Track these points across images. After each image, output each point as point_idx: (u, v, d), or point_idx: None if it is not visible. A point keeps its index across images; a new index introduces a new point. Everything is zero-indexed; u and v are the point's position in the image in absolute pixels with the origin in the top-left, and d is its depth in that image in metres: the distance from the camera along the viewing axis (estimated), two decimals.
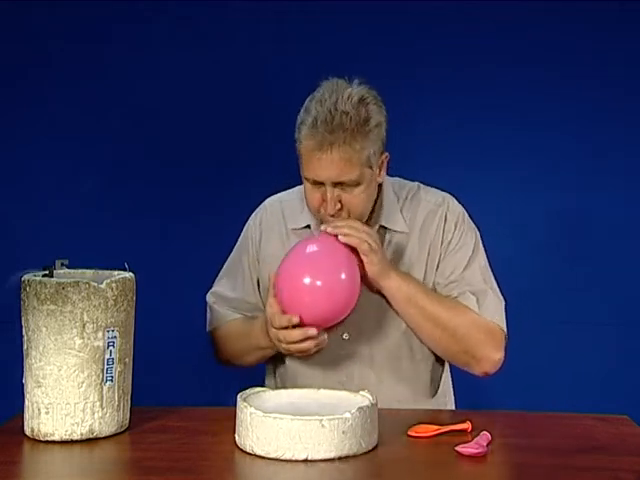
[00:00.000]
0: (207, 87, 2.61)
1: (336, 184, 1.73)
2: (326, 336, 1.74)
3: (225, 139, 2.63)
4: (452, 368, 1.97)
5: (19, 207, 2.56)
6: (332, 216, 1.75)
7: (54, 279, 1.51)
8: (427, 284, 1.85)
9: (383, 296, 1.81)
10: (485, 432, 1.52)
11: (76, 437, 1.51)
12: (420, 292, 1.79)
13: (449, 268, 1.85)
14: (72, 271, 1.63)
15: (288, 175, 1.97)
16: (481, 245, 1.90)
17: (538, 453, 1.47)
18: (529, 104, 2.61)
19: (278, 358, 1.92)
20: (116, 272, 1.60)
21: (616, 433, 1.59)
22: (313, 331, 1.69)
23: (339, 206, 1.75)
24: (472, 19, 2.60)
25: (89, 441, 1.51)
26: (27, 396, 1.53)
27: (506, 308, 1.85)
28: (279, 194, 2.00)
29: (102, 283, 1.50)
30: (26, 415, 1.54)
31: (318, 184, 1.75)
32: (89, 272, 1.64)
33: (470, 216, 1.91)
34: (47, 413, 1.50)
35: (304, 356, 1.79)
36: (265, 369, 2.00)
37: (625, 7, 2.58)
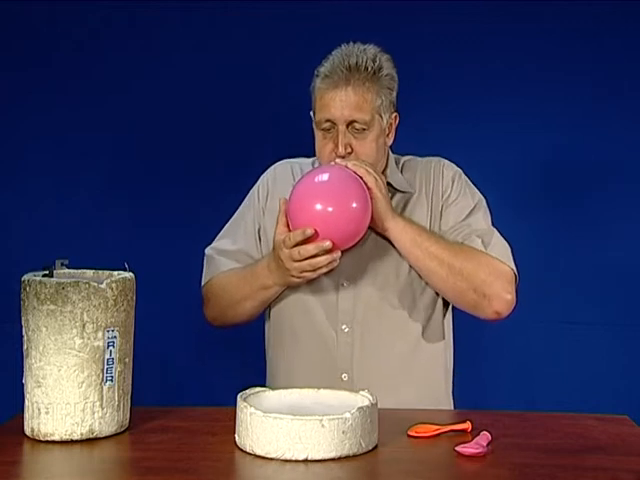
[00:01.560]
0: (208, 87, 2.61)
1: (348, 125, 1.79)
2: (339, 254, 1.73)
3: (225, 139, 2.63)
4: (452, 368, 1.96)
5: (19, 207, 2.56)
6: (342, 158, 1.80)
7: (54, 279, 1.51)
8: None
9: (388, 241, 1.83)
10: (485, 432, 1.52)
11: (76, 437, 1.51)
12: (424, 233, 1.82)
13: (452, 217, 1.88)
14: (72, 271, 1.63)
15: None
16: (484, 202, 1.93)
17: (538, 453, 1.47)
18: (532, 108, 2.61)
19: (278, 349, 1.92)
20: (116, 272, 1.60)
21: (616, 433, 1.59)
22: (328, 243, 1.70)
23: (349, 149, 1.81)
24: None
25: (89, 441, 1.51)
26: (27, 396, 1.53)
27: (513, 253, 1.84)
28: (289, 159, 2.05)
29: (102, 283, 1.50)
30: (26, 415, 1.54)
31: (329, 131, 1.81)
32: (89, 272, 1.64)
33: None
34: (47, 413, 1.50)
35: (315, 276, 1.78)
36: (266, 369, 1.99)
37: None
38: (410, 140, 2.43)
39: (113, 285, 1.51)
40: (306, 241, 1.71)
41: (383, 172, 1.91)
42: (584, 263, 2.61)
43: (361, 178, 1.76)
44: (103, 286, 1.50)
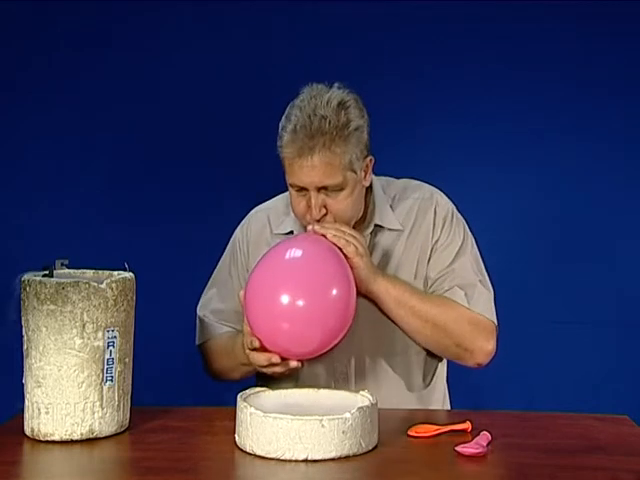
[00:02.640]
0: (208, 87, 2.61)
1: (320, 189, 1.73)
2: (297, 363, 1.65)
3: (226, 140, 2.63)
4: (450, 368, 1.97)
5: (19, 207, 2.56)
6: (318, 221, 1.75)
7: (54, 279, 1.51)
8: (419, 280, 1.85)
9: (371, 300, 1.80)
10: (485, 432, 1.52)
11: (76, 437, 1.51)
12: (408, 292, 1.79)
13: (439, 263, 1.86)
14: (72, 271, 1.63)
15: None
16: (470, 236, 1.90)
17: (538, 453, 1.47)
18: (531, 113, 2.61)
19: None
20: (116, 272, 1.60)
21: (616, 433, 1.59)
22: (276, 358, 1.63)
23: (324, 211, 1.75)
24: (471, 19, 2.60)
25: (89, 441, 1.51)
26: (27, 396, 1.53)
27: (495, 299, 1.85)
28: (264, 203, 2.01)
29: (102, 283, 1.50)
30: (26, 415, 1.54)
31: (303, 190, 1.75)
32: (89, 272, 1.64)
33: (458, 209, 1.92)
34: (47, 413, 1.50)
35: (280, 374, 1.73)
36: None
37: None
38: (409, 142, 2.44)
39: (113, 285, 1.51)
40: (261, 347, 1.63)
41: (367, 213, 1.85)
42: (585, 263, 2.61)
43: (341, 250, 1.68)
44: (103, 286, 1.50)
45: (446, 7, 2.59)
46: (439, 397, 1.94)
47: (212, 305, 1.95)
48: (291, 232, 1.89)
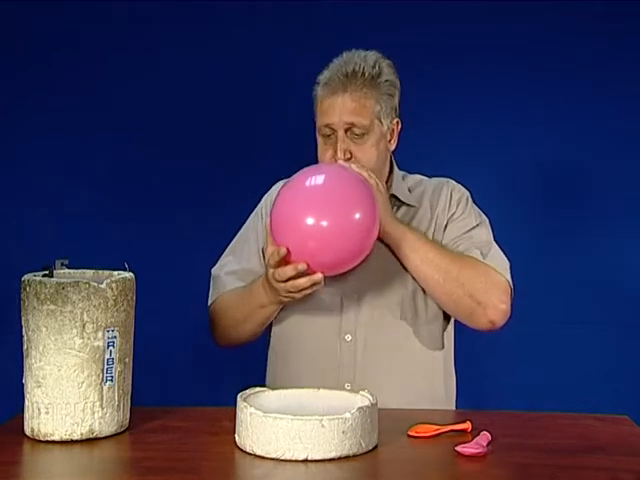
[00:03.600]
0: (208, 87, 2.61)
1: (347, 131, 1.80)
2: (320, 276, 1.66)
3: (226, 138, 2.63)
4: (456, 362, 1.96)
5: (19, 207, 2.56)
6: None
7: (54, 279, 1.51)
8: None
9: (386, 245, 1.82)
10: (485, 432, 1.52)
11: (76, 437, 1.51)
12: (423, 239, 1.83)
13: (454, 230, 1.89)
14: (72, 271, 1.63)
15: (288, 174, 1.97)
16: (488, 223, 1.93)
17: (538, 453, 1.47)
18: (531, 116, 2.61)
19: (280, 358, 1.92)
20: (116, 272, 1.60)
21: (616, 433, 1.59)
22: (319, 276, 1.66)
23: (349, 155, 1.82)
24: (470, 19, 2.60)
25: (89, 441, 1.51)
26: (27, 396, 1.53)
27: (511, 268, 1.85)
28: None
29: (102, 283, 1.50)
30: (26, 415, 1.54)
31: (331, 135, 1.82)
32: (89, 272, 1.64)
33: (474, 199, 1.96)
34: (47, 413, 1.50)
35: (301, 296, 1.74)
36: (266, 374, 1.99)
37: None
38: (412, 142, 2.43)
39: (113, 285, 1.51)
40: (285, 260, 1.65)
41: (387, 181, 1.92)
42: (585, 263, 2.61)
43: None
44: (103, 286, 1.50)
45: (446, 7, 2.58)
46: (447, 381, 1.93)
47: (227, 267, 1.96)
48: None
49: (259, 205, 2.03)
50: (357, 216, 1.63)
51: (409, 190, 1.95)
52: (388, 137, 1.87)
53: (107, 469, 1.43)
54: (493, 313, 1.79)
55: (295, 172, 1.77)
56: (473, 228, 1.89)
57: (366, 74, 1.81)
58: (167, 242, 2.60)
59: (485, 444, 1.47)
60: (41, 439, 1.51)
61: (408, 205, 1.92)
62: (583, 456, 1.46)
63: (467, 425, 1.57)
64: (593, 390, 2.50)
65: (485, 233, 1.90)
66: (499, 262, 1.85)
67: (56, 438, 1.50)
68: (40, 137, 2.58)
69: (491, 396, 2.43)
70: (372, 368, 1.85)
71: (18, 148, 2.58)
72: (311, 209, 1.62)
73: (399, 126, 1.90)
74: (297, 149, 1.99)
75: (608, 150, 2.61)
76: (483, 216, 1.95)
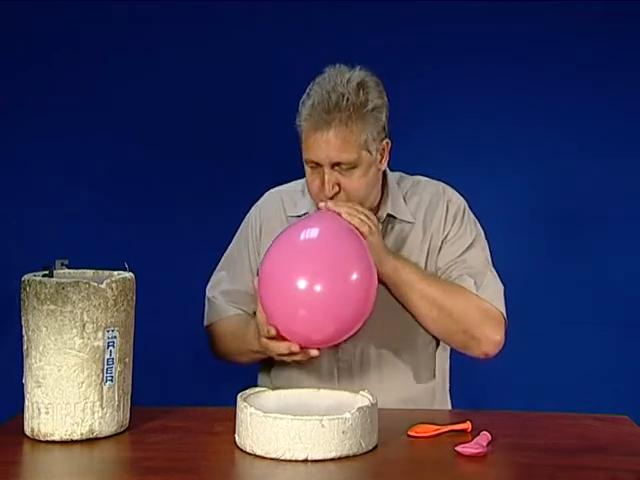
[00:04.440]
0: (207, 85, 2.61)
1: (334, 166, 1.74)
2: (317, 352, 1.64)
3: (226, 138, 2.63)
4: (451, 368, 1.96)
5: (19, 207, 2.56)
6: (330, 199, 1.76)
7: (54, 279, 1.51)
8: (428, 271, 1.86)
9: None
10: (485, 432, 1.52)
11: (76, 437, 1.51)
12: (418, 275, 1.80)
13: (449, 254, 1.86)
14: (72, 271, 1.63)
15: (288, 174, 1.97)
16: (482, 234, 1.91)
17: (538, 453, 1.47)
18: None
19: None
20: (116, 272, 1.60)
21: (616, 433, 1.59)
22: (296, 347, 1.63)
23: (337, 189, 1.76)
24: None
25: (89, 441, 1.51)
26: (27, 396, 1.53)
27: (505, 294, 1.84)
28: (279, 186, 2.02)
29: (102, 283, 1.50)
30: (26, 415, 1.54)
31: (317, 167, 1.77)
32: (89, 272, 1.64)
33: (470, 207, 1.93)
34: (47, 413, 1.50)
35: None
36: (259, 367, 1.99)
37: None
38: (412, 142, 2.43)
39: (113, 285, 1.51)
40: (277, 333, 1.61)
41: (380, 202, 1.87)
42: (585, 263, 2.61)
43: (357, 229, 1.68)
44: (103, 286, 1.50)
45: (446, 7, 2.58)
46: (441, 395, 1.93)
47: (221, 286, 1.95)
48: (306, 214, 1.89)
49: (248, 217, 1.99)
50: (354, 277, 1.56)
51: (404, 199, 1.90)
52: (378, 160, 1.80)
53: (107, 469, 1.43)
54: (486, 346, 1.80)
55: (294, 172, 1.77)
56: (467, 249, 1.86)
57: (350, 106, 1.70)
58: (167, 242, 2.60)
59: (485, 444, 1.47)
60: (41, 439, 1.51)
61: (403, 221, 1.89)
62: (583, 456, 1.46)
63: (467, 425, 1.57)
64: (593, 390, 2.50)
65: (480, 254, 1.87)
66: (493, 292, 1.83)
67: (56, 438, 1.50)
68: (40, 137, 2.58)
69: (491, 396, 2.43)
70: (372, 369, 1.86)
71: (18, 148, 2.58)
72: (301, 272, 1.53)
73: (389, 145, 1.82)
74: (297, 149, 1.98)
75: (608, 150, 2.61)
76: (479, 227, 1.92)
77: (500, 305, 1.83)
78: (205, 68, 2.60)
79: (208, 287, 1.98)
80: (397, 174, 1.96)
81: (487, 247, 1.91)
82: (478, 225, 1.93)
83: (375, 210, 1.85)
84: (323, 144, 1.72)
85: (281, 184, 2.02)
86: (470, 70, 2.60)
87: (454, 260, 1.86)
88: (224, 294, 1.94)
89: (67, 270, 1.62)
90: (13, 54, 2.57)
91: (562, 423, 1.65)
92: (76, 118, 2.58)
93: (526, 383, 2.55)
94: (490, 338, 1.80)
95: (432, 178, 1.97)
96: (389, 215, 1.87)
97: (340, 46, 2.53)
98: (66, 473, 1.41)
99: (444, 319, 1.79)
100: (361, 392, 1.57)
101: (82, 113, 2.59)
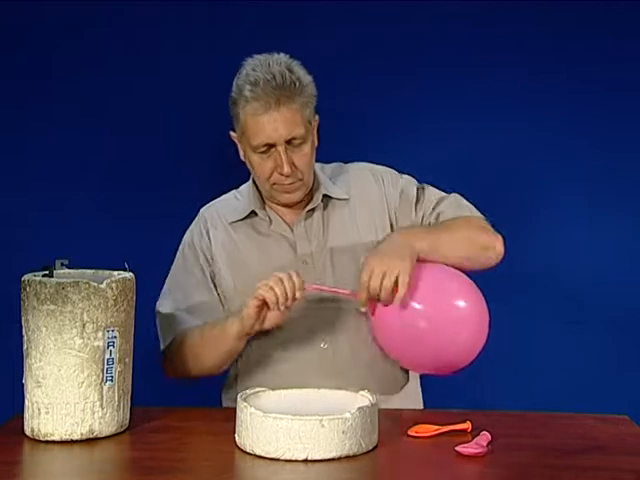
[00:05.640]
0: (207, 85, 2.60)
1: (287, 142, 1.79)
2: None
3: (226, 138, 2.62)
4: None
5: (19, 207, 2.56)
6: (287, 177, 1.80)
7: (54, 279, 1.51)
8: (382, 234, 1.90)
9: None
10: (485, 432, 1.52)
11: (76, 437, 1.51)
12: (430, 235, 1.84)
13: (412, 204, 1.93)
14: (72, 271, 1.63)
15: None
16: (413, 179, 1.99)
17: (538, 453, 1.47)
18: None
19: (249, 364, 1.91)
20: (116, 272, 1.60)
21: (616, 433, 1.60)
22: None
23: (294, 168, 1.81)
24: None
25: (89, 441, 1.51)
26: (27, 396, 1.53)
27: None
28: (208, 204, 2.05)
29: (102, 283, 1.50)
30: (26, 415, 1.54)
31: (267, 151, 1.80)
32: (89, 272, 1.64)
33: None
34: (47, 413, 1.50)
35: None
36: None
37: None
38: (412, 142, 2.43)
39: (113, 285, 1.52)
40: None
41: (313, 187, 1.90)
42: (585, 263, 2.61)
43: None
44: (103, 286, 1.50)
45: (446, 7, 2.58)
46: (413, 397, 1.95)
47: (177, 304, 1.92)
48: (252, 213, 1.91)
49: (190, 234, 1.99)
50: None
51: (332, 180, 1.95)
52: (314, 134, 1.87)
53: (107, 469, 1.43)
54: (498, 247, 1.89)
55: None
56: (421, 194, 1.94)
57: (291, 83, 1.77)
58: (167, 242, 2.59)
59: (485, 444, 1.47)
60: (41, 439, 1.51)
61: (340, 199, 1.92)
62: (583, 456, 1.46)
63: (467, 425, 1.57)
64: (593, 390, 2.50)
65: (432, 190, 1.96)
66: (467, 207, 1.95)
67: (56, 438, 1.50)
68: (40, 137, 2.57)
69: (491, 396, 2.43)
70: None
71: (18, 148, 2.58)
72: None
73: (317, 121, 1.88)
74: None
75: (610, 149, 2.61)
76: (407, 176, 1.99)
77: (476, 212, 1.95)
78: (205, 68, 2.59)
79: (158, 305, 1.94)
80: (317, 164, 1.98)
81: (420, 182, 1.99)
82: (408, 176, 1.99)
83: (309, 195, 1.90)
84: (275, 122, 1.77)
85: None
86: (470, 70, 2.60)
87: (421, 205, 1.93)
88: (182, 310, 1.91)
89: (67, 270, 1.62)
90: (13, 54, 2.56)
91: (562, 423, 1.65)
92: (76, 118, 2.58)
93: (526, 383, 2.55)
94: (498, 240, 1.89)
95: (426, 178, 2.01)
96: (325, 195, 1.91)
97: (340, 46, 2.53)
98: (66, 473, 1.42)
99: (469, 252, 1.85)
100: (361, 392, 1.57)
101: (82, 113, 2.58)
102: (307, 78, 1.82)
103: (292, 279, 1.68)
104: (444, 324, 1.71)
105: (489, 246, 1.88)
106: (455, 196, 1.96)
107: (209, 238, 1.95)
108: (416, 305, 1.70)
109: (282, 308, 1.69)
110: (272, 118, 1.77)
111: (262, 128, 1.78)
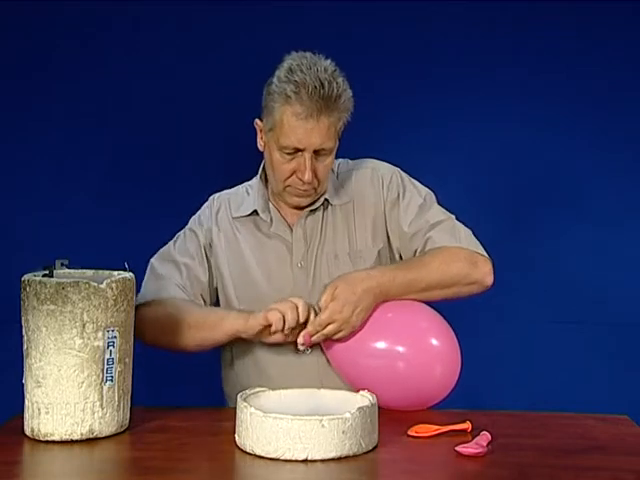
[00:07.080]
0: (207, 86, 2.61)
1: (315, 152, 1.77)
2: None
3: (226, 138, 2.63)
4: None
5: (19, 207, 2.56)
6: (305, 183, 1.79)
7: (54, 279, 1.51)
8: (377, 244, 1.88)
9: None
10: (485, 432, 1.52)
11: (76, 437, 1.51)
12: (407, 274, 1.79)
13: (408, 215, 1.88)
14: (72, 271, 1.63)
15: None
16: (429, 190, 1.94)
17: (538, 453, 1.47)
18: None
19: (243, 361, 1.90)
20: (116, 272, 1.60)
21: (616, 433, 1.60)
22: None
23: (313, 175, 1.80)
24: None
25: (89, 441, 1.51)
26: (27, 396, 1.53)
27: (475, 235, 1.88)
28: (222, 191, 2.04)
29: (102, 283, 1.50)
30: (26, 415, 1.54)
31: (296, 153, 1.78)
32: (89, 272, 1.64)
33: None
34: (47, 413, 1.50)
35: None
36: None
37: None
38: (411, 142, 2.44)
39: (113, 285, 1.52)
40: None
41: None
42: (585, 263, 2.61)
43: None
44: (103, 286, 1.50)
45: (446, 7, 2.58)
46: None
47: (171, 256, 1.93)
48: (254, 212, 1.91)
49: (203, 212, 2.00)
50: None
51: (338, 180, 1.93)
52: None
53: (107, 469, 1.43)
54: (486, 280, 1.82)
55: None
56: (425, 209, 1.88)
57: (336, 94, 1.73)
58: (167, 242, 2.60)
59: (485, 444, 1.47)
60: (41, 439, 1.51)
61: (344, 204, 1.91)
62: (583, 456, 1.46)
63: (467, 425, 1.57)
64: (593, 390, 2.50)
65: (438, 209, 1.90)
66: (466, 238, 1.86)
67: (56, 438, 1.50)
68: (40, 137, 2.58)
69: (491, 396, 2.43)
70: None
71: (18, 148, 2.58)
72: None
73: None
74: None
75: (610, 149, 2.61)
76: (421, 186, 1.94)
77: (476, 247, 1.85)
78: (205, 68, 2.60)
79: (155, 265, 1.93)
80: (336, 160, 1.97)
81: (435, 199, 1.93)
82: (419, 184, 1.94)
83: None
84: (312, 131, 1.74)
85: None
86: (470, 70, 2.60)
87: (416, 222, 1.87)
88: (171, 265, 1.91)
89: (67, 270, 1.62)
90: (13, 54, 2.57)
91: (562, 423, 1.65)
92: (77, 118, 2.58)
93: (526, 383, 2.55)
94: (486, 273, 1.82)
95: (425, 178, 1.98)
96: (326, 200, 1.90)
97: (340, 46, 2.53)
98: (66, 473, 1.42)
99: (448, 291, 1.81)
100: (361, 392, 1.57)
101: (82, 113, 2.58)
102: (349, 93, 1.78)
103: (305, 307, 1.69)
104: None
105: (471, 281, 1.82)
106: (451, 220, 1.89)
107: (216, 220, 1.96)
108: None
109: (287, 332, 1.70)
110: (309, 126, 1.74)
111: (296, 132, 1.75)
